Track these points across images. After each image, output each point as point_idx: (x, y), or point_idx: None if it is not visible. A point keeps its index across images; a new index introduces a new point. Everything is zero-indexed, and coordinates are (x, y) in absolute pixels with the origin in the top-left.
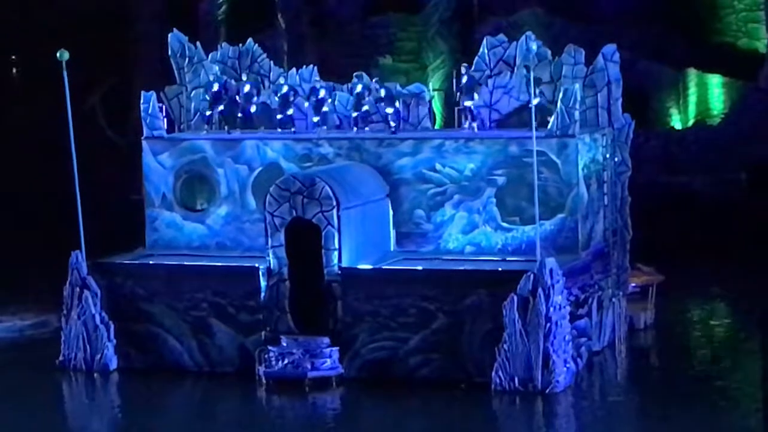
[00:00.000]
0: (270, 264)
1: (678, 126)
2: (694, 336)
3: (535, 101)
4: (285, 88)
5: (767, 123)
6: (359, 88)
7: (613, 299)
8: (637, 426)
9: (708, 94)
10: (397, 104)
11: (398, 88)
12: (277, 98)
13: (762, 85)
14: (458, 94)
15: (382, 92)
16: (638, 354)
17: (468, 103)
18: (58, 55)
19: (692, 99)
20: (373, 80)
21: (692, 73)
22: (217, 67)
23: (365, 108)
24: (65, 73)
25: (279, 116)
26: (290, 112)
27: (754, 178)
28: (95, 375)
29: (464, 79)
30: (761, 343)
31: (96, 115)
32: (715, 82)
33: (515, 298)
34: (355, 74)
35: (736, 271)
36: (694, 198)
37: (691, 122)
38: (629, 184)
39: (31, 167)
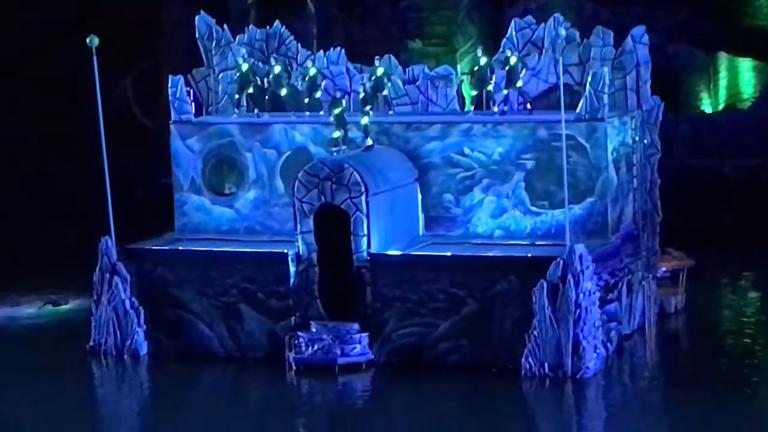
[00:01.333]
0: (299, 250)
1: (708, 110)
2: (724, 320)
3: None
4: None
5: None
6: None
7: (643, 282)
8: (667, 410)
9: (738, 78)
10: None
11: (425, 70)
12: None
13: None
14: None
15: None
16: (668, 338)
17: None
18: (88, 41)
19: (723, 83)
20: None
21: (723, 57)
22: (244, 50)
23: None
24: (95, 59)
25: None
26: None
27: None
28: (126, 360)
29: (476, 67)
30: None
31: (127, 99)
32: (746, 65)
33: (545, 284)
34: (376, 59)
35: (766, 255)
36: (723, 182)
37: (721, 106)
38: (659, 167)
39: (61, 152)
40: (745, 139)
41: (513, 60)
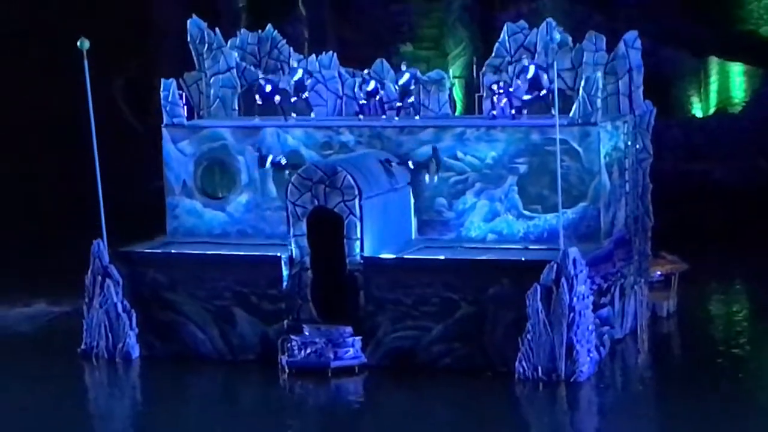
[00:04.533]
0: (292, 253)
1: (699, 114)
2: (716, 324)
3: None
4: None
5: None
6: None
7: (635, 286)
8: (660, 414)
9: (729, 82)
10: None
11: (419, 74)
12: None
13: None
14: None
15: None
16: (660, 342)
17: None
18: (78, 44)
19: (713, 87)
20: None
21: (714, 61)
22: (236, 54)
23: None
24: (86, 62)
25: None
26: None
27: None
28: (117, 363)
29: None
30: None
31: (117, 101)
32: (737, 70)
33: (538, 288)
34: (374, 65)
35: (758, 259)
36: (714, 185)
37: (712, 110)
38: (650, 171)
39: (52, 154)
40: (735, 143)
41: (531, 70)
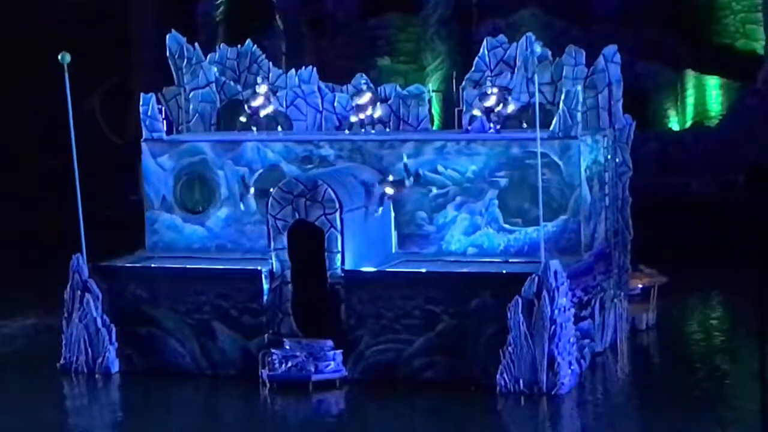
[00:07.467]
0: (273, 267)
1: (675, 127)
2: (695, 336)
3: None
4: (263, 88)
5: (765, 125)
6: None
7: (615, 300)
8: (641, 426)
9: (706, 96)
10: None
11: (398, 89)
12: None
13: (760, 87)
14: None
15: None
16: (640, 355)
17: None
18: (59, 57)
19: (690, 100)
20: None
21: (690, 75)
22: (215, 69)
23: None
24: (66, 76)
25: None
26: (269, 110)
27: (752, 180)
28: (97, 378)
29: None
30: (759, 342)
31: (95, 116)
32: (713, 83)
33: (520, 300)
34: (354, 79)
35: (735, 273)
36: (692, 199)
37: (688, 124)
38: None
39: (30, 169)
40: (712, 157)
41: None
